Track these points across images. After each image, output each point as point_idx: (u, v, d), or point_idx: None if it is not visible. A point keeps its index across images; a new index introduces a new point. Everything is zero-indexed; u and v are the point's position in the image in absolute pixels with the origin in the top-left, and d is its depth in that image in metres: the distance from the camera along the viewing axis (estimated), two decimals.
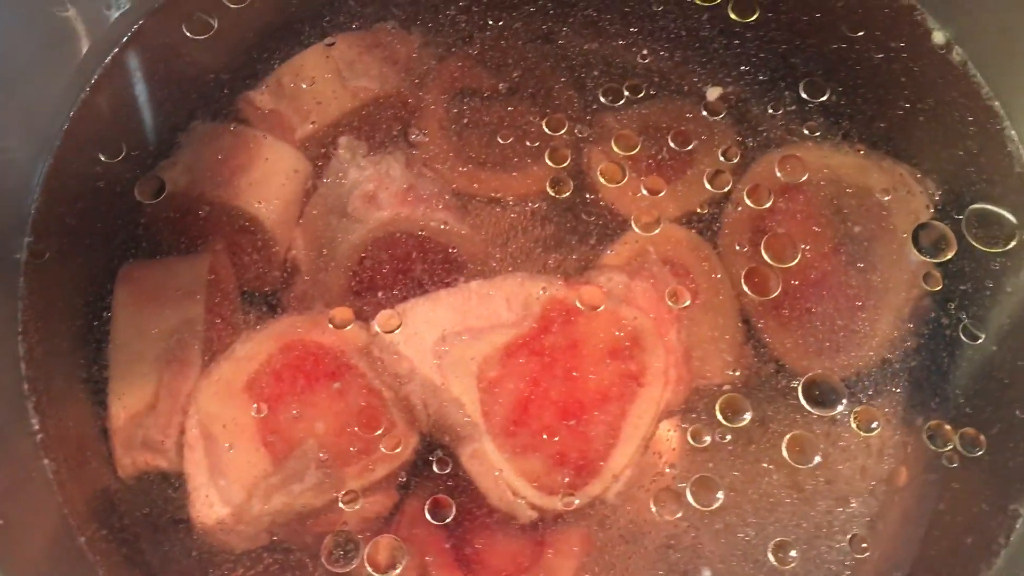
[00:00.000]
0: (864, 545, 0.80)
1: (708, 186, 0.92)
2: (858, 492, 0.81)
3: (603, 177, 0.93)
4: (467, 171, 0.94)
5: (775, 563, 0.79)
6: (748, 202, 0.90)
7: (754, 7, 1.00)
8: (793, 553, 0.80)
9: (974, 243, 0.88)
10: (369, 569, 0.78)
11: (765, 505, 0.81)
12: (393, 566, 0.78)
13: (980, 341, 0.86)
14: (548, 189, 0.93)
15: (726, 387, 0.85)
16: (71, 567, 0.75)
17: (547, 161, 0.94)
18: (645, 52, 0.99)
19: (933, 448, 0.83)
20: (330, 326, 0.83)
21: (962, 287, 0.87)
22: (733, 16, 1.00)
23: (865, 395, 0.85)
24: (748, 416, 0.83)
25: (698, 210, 0.92)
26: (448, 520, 0.80)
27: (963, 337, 0.86)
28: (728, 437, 0.83)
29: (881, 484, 0.82)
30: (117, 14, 0.94)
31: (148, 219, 0.89)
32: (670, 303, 0.86)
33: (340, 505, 0.79)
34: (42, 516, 0.76)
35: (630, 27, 1.01)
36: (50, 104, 0.90)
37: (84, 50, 0.92)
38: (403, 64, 0.98)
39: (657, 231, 0.90)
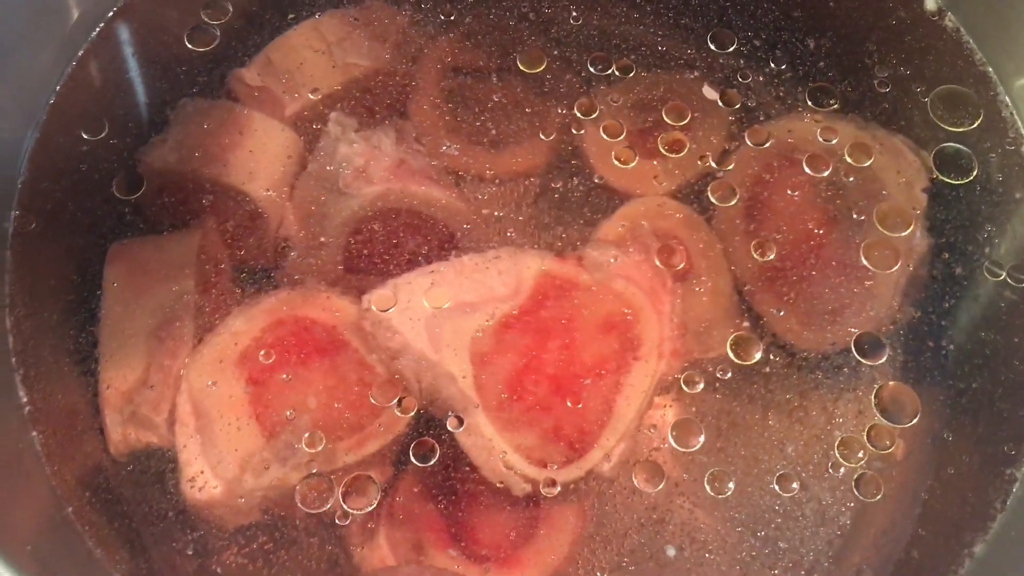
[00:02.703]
0: (862, 519, 0.80)
1: (701, 160, 0.92)
2: (857, 469, 0.81)
3: (596, 152, 0.92)
4: (459, 148, 0.93)
5: (770, 536, 0.79)
6: (742, 171, 0.90)
7: None
8: (789, 530, 0.79)
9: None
10: (345, 506, 0.78)
11: (762, 477, 0.81)
12: (369, 503, 0.78)
13: (979, 308, 0.85)
14: (541, 165, 0.92)
15: (721, 359, 0.84)
16: (61, 539, 0.75)
17: (539, 137, 0.93)
18: (638, 27, 0.99)
19: (930, 420, 0.83)
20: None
21: (963, 255, 0.87)
22: None
23: (862, 368, 0.84)
24: (743, 387, 0.83)
25: (692, 184, 0.91)
26: (432, 462, 0.80)
27: (960, 307, 0.86)
28: (725, 407, 0.82)
29: (877, 459, 0.81)
30: None
31: (138, 195, 0.89)
32: (664, 277, 0.85)
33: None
34: (31, 488, 0.76)
35: (622, 3, 1.00)
36: (37, 77, 0.90)
37: (72, 20, 0.92)
38: (393, 41, 0.97)
39: (651, 205, 0.90)
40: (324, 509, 0.78)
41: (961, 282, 0.87)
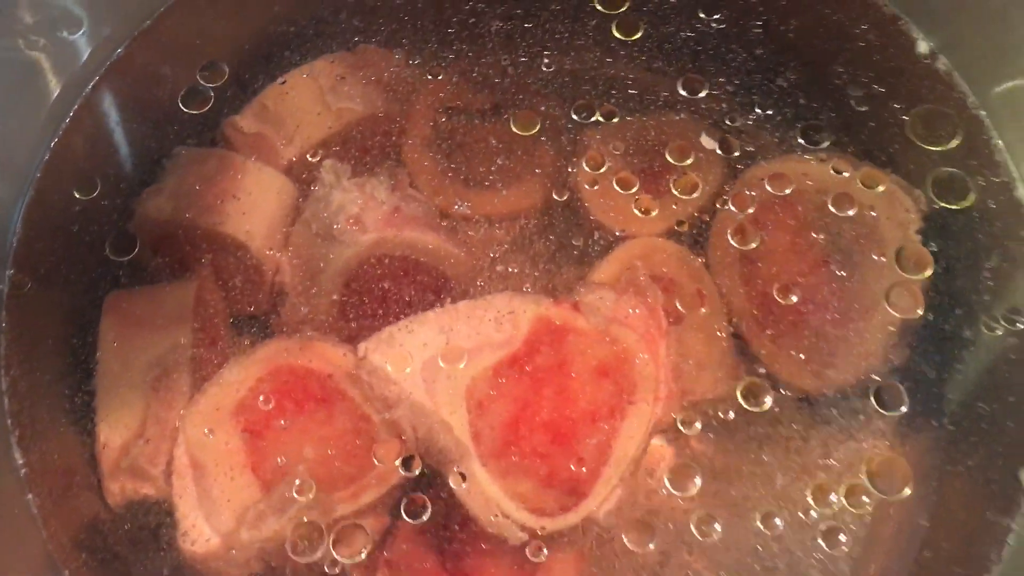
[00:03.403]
0: (860, 560, 0.79)
1: (696, 201, 0.92)
2: (854, 507, 0.81)
3: (591, 194, 0.93)
4: (453, 190, 0.94)
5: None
6: (735, 212, 0.90)
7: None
8: (785, 567, 0.79)
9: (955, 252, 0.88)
10: (335, 554, 0.78)
11: (759, 519, 0.81)
12: (358, 551, 0.78)
13: (972, 349, 0.85)
14: (535, 206, 0.92)
15: (718, 402, 0.84)
16: None
17: (534, 177, 0.93)
18: (630, 69, 0.99)
19: (927, 460, 0.82)
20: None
21: (951, 297, 0.87)
22: (713, 24, 1.00)
23: (858, 407, 0.84)
24: (739, 431, 0.83)
25: (686, 225, 0.91)
26: (424, 518, 0.80)
27: (955, 346, 0.86)
28: (722, 450, 0.82)
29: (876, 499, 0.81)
30: (91, 48, 0.94)
31: (133, 247, 0.89)
32: (659, 319, 0.85)
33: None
34: (26, 552, 0.76)
35: (614, 44, 1.00)
36: (29, 138, 0.90)
37: (61, 83, 0.92)
38: (387, 85, 0.97)
39: (645, 246, 0.90)
40: (314, 558, 0.77)
41: (959, 325, 0.87)
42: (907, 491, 0.81)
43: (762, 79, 0.97)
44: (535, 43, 1.00)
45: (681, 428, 0.83)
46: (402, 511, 0.80)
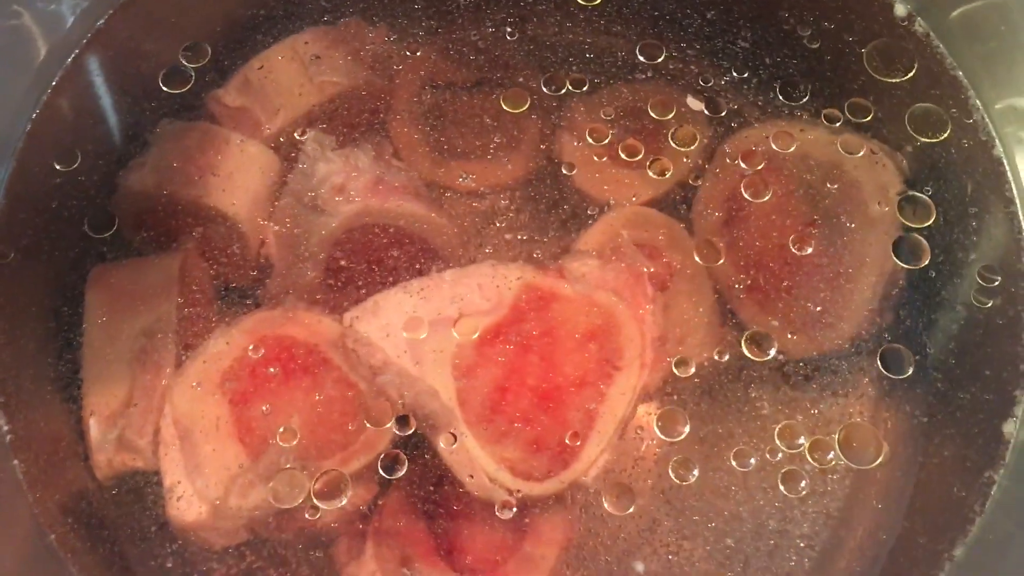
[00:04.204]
0: (846, 521, 0.80)
1: (678, 168, 0.92)
2: (839, 469, 0.81)
3: (574, 163, 0.93)
4: (437, 162, 0.94)
5: (756, 541, 0.79)
6: (720, 178, 0.90)
7: None
8: (773, 528, 0.80)
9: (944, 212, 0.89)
10: (315, 500, 0.78)
11: (745, 482, 0.81)
12: (338, 496, 0.79)
13: (956, 311, 0.86)
14: (520, 177, 0.93)
15: (702, 368, 0.84)
16: (43, 568, 0.75)
17: (517, 149, 0.94)
18: (613, 37, 0.99)
19: (911, 420, 0.83)
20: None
21: (937, 258, 0.88)
22: None
23: (842, 371, 0.85)
24: (721, 394, 0.83)
25: (670, 192, 0.92)
26: (416, 478, 0.80)
27: (939, 309, 0.86)
28: (706, 418, 0.83)
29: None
30: (74, 16, 0.94)
31: (117, 219, 0.89)
32: (644, 286, 0.86)
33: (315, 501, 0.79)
34: (12, 517, 0.76)
35: (596, 12, 1.01)
36: (11, 107, 0.90)
37: (43, 52, 0.92)
38: (370, 58, 0.97)
39: (630, 214, 0.90)
40: (296, 504, 0.77)
41: (939, 285, 0.87)
42: (878, 461, 0.82)
43: (758, 54, 0.98)
44: (505, 15, 1.00)
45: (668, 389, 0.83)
46: (394, 473, 0.80)
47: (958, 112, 0.92)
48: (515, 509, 0.79)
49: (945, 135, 0.92)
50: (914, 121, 0.93)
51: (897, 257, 0.87)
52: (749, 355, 0.85)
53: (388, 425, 0.80)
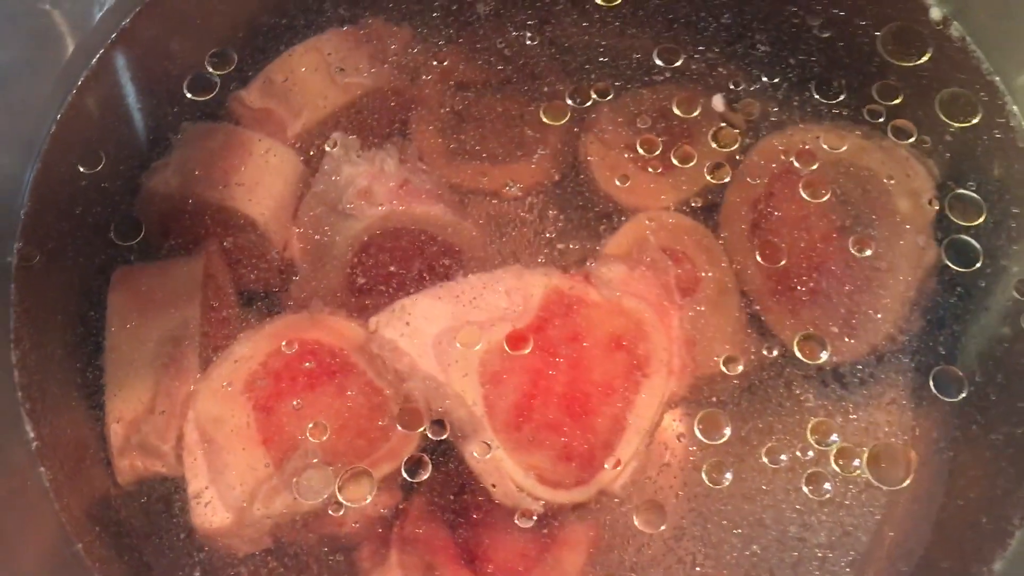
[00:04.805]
0: (877, 535, 0.79)
1: (707, 172, 0.91)
2: (870, 476, 0.81)
3: (601, 167, 0.92)
4: (462, 165, 0.93)
5: (787, 548, 0.79)
6: (749, 183, 0.89)
7: None
8: (806, 539, 0.79)
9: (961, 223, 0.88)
10: (339, 497, 0.77)
11: (775, 489, 0.80)
12: (363, 497, 0.78)
13: (986, 318, 0.85)
14: (545, 181, 0.92)
15: (730, 375, 0.84)
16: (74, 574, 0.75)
17: (543, 152, 0.93)
18: (633, 39, 0.98)
19: (943, 429, 0.82)
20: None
21: (967, 267, 0.87)
22: None
23: (873, 378, 0.84)
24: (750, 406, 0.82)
25: (698, 197, 0.91)
26: (441, 485, 0.79)
27: (969, 315, 0.85)
28: (732, 425, 0.82)
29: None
30: (100, 13, 0.93)
31: (141, 222, 0.88)
32: (672, 291, 0.85)
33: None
34: (39, 524, 0.75)
35: (623, 15, 1.00)
36: (36, 107, 0.90)
37: (69, 51, 0.91)
38: (394, 59, 0.97)
39: (657, 219, 0.89)
40: (320, 500, 0.77)
41: (973, 292, 0.86)
42: (906, 483, 0.81)
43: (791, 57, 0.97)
44: (524, 19, 0.99)
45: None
46: (419, 480, 0.79)
47: (987, 96, 0.92)
48: (535, 518, 0.78)
49: (976, 119, 0.90)
50: (944, 108, 0.92)
51: (949, 261, 0.87)
52: (776, 360, 0.84)
53: (419, 430, 0.79)
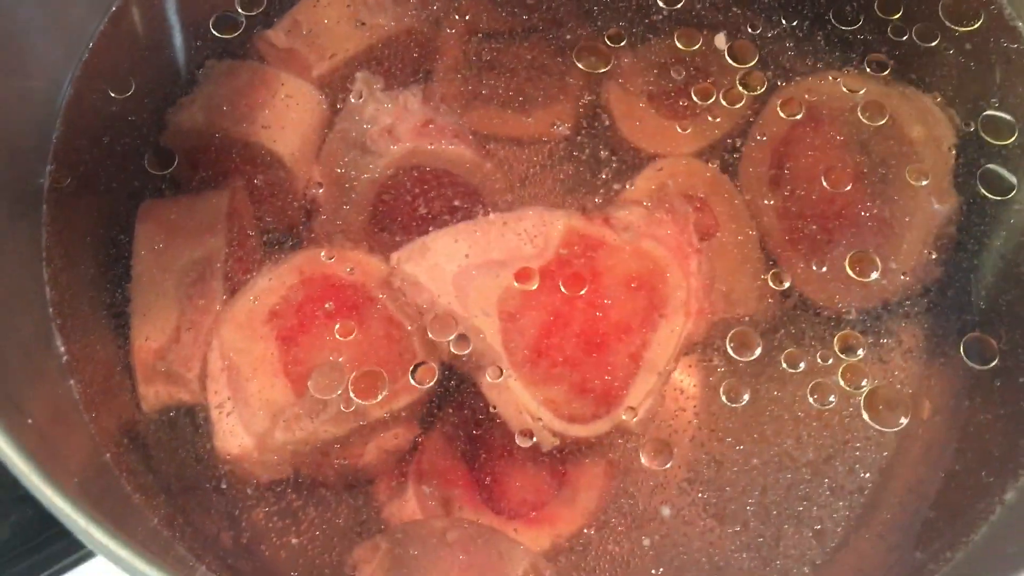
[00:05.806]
0: (887, 477, 0.80)
1: (726, 119, 0.92)
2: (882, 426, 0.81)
3: (622, 113, 0.92)
4: (485, 111, 0.94)
5: (798, 489, 0.79)
6: (768, 129, 0.90)
7: None
8: (815, 480, 0.79)
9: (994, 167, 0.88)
10: (352, 395, 0.78)
11: (786, 435, 0.81)
12: (375, 394, 0.79)
13: (1004, 268, 0.85)
14: (566, 127, 0.92)
15: (747, 320, 0.84)
16: (103, 480, 0.76)
17: (565, 99, 0.93)
18: None
19: (957, 378, 0.82)
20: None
21: (984, 218, 0.87)
22: None
23: (888, 327, 0.84)
24: (759, 350, 0.83)
25: (718, 144, 0.91)
26: (459, 418, 0.80)
27: (987, 266, 0.85)
28: (747, 369, 0.83)
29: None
30: None
31: (167, 155, 0.89)
32: (690, 236, 0.85)
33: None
34: (71, 432, 0.77)
35: None
36: (69, 35, 0.90)
37: None
38: (417, 2, 0.97)
39: (677, 165, 0.90)
40: (333, 396, 0.78)
41: (990, 240, 0.86)
42: (903, 421, 0.81)
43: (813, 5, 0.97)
44: None
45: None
46: (438, 412, 0.80)
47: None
48: (534, 439, 0.78)
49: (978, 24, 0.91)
50: (947, 14, 0.93)
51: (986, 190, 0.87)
52: (789, 306, 0.84)
53: (438, 364, 0.80)
